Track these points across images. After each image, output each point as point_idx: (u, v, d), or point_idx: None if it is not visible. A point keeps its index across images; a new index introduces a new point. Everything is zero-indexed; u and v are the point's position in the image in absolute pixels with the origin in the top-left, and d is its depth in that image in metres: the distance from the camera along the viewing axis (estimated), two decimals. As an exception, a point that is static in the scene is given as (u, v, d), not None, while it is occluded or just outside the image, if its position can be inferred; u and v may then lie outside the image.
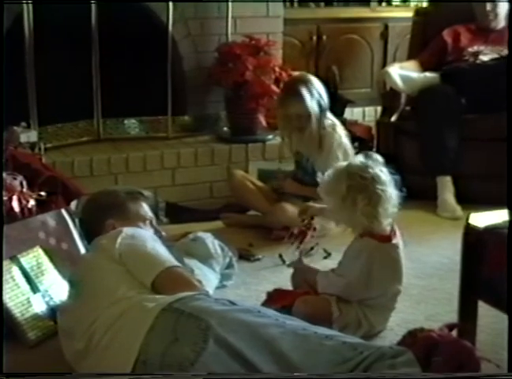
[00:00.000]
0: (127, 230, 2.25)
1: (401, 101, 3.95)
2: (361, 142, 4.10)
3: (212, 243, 2.76)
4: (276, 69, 3.82)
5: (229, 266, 2.81)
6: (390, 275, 2.39)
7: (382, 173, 2.35)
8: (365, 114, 4.87)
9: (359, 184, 2.31)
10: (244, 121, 3.91)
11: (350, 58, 4.79)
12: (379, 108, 4.24)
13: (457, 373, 1.82)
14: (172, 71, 3.85)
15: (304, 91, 3.20)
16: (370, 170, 2.34)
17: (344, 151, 3.27)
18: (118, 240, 2.18)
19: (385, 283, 2.38)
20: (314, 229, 2.62)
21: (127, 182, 3.54)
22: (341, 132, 3.32)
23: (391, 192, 2.33)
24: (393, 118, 3.95)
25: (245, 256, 3.05)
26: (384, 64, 4.78)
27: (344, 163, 2.44)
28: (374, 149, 4.02)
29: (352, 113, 4.67)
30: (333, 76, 4.31)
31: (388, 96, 3.98)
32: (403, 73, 3.88)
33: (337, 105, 4.22)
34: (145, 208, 2.48)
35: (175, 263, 2.18)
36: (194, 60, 3.96)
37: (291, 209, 3.14)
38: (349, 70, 4.75)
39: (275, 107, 3.49)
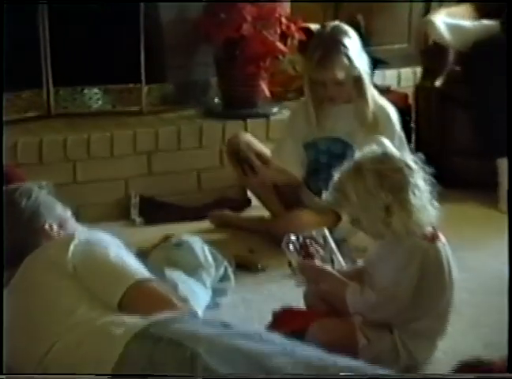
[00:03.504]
0: (80, 235, 2.26)
1: (449, 59, 3.97)
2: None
3: (202, 249, 2.78)
4: (283, 20, 3.83)
5: (224, 278, 2.83)
6: (444, 283, 2.39)
7: (407, 156, 2.37)
8: (400, 78, 4.88)
9: (399, 180, 2.31)
10: (241, 89, 3.93)
11: (380, 4, 4.79)
12: (419, 69, 4.27)
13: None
14: (145, 25, 3.86)
15: (349, 47, 3.19)
16: (399, 159, 2.36)
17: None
18: (71, 248, 2.19)
19: (438, 296, 2.39)
20: (317, 242, 2.63)
21: (89, 171, 3.56)
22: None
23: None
24: (438, 83, 3.96)
25: (244, 265, 3.08)
26: (426, 11, 4.78)
27: (353, 165, 2.37)
28: (413, 124, 4.04)
29: (384, 76, 4.67)
30: (357, 28, 4.31)
31: (431, 53, 4.00)
32: (451, 21, 3.90)
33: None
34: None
35: (148, 275, 2.20)
36: (175, 10, 3.96)
37: (306, 218, 3.18)
38: (379, 20, 4.76)
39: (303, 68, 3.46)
